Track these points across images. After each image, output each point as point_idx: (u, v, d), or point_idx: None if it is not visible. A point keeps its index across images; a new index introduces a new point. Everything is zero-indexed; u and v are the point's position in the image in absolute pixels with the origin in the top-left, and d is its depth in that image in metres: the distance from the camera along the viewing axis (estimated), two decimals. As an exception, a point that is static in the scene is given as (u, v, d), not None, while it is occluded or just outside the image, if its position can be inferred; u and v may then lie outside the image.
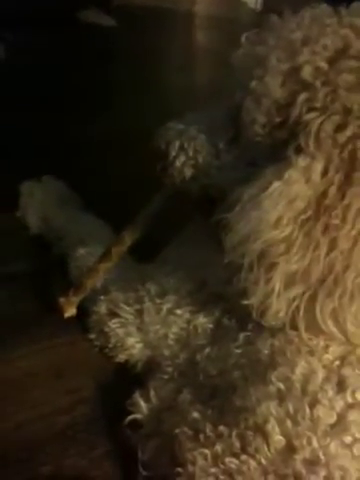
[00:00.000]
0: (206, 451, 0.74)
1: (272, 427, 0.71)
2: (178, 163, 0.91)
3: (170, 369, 0.92)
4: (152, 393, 0.89)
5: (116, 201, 1.39)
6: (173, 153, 0.91)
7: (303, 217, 0.73)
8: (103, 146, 1.73)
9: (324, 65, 0.73)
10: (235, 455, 0.72)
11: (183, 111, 0.97)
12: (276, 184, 0.73)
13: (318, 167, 0.72)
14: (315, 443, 0.69)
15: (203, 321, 0.92)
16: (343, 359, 0.76)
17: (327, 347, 0.77)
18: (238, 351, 0.83)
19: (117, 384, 1.00)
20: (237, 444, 0.73)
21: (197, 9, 3.67)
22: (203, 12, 3.67)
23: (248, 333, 0.84)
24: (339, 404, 0.72)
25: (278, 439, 0.71)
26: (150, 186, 0.98)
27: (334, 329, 0.75)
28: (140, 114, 1.90)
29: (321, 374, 0.75)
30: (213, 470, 0.72)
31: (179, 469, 0.74)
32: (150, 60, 2.67)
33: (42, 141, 1.70)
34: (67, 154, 1.66)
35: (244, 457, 0.72)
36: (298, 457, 0.69)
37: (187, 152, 0.90)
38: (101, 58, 2.60)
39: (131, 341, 0.99)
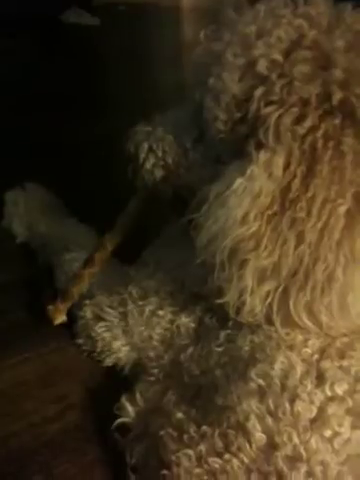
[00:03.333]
0: (190, 452, 0.74)
1: (253, 425, 0.71)
2: (148, 165, 0.91)
3: (155, 371, 0.92)
4: (138, 396, 0.90)
5: (101, 204, 1.39)
6: (142, 155, 0.91)
7: (269, 212, 0.72)
8: (88, 147, 1.73)
9: (279, 57, 0.72)
10: (218, 455, 0.72)
11: (173, 106, 0.95)
12: (239, 181, 0.72)
13: (279, 161, 0.71)
14: (296, 439, 0.69)
15: (185, 321, 0.92)
16: (322, 352, 0.76)
17: (306, 341, 0.77)
18: (219, 349, 0.83)
19: (106, 389, 1.00)
20: (220, 443, 0.73)
21: (182, 2, 3.65)
22: (188, 5, 3.66)
23: (228, 331, 0.84)
24: (318, 398, 0.71)
25: (259, 437, 0.71)
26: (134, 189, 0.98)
27: (308, 322, 0.74)
28: (129, 111, 1.91)
29: (300, 368, 0.74)
30: (197, 471, 0.72)
31: (164, 471, 0.74)
32: (138, 56, 2.66)
33: (24, 143, 1.71)
34: (52, 156, 1.67)
35: (227, 456, 0.71)
36: (280, 454, 0.69)
37: (156, 153, 0.90)
38: (86, 58, 2.60)
39: (117, 344, 0.99)
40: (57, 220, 1.30)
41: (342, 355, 0.75)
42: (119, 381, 0.99)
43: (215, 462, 0.72)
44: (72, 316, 1.07)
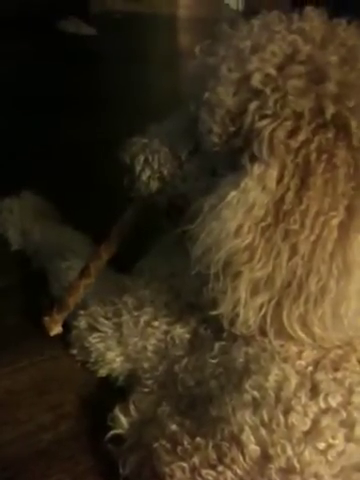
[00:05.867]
0: (184, 464, 0.74)
1: (247, 436, 0.71)
2: (144, 177, 0.92)
3: (150, 382, 0.92)
4: (132, 407, 0.90)
5: (96, 212, 1.39)
6: (138, 167, 0.92)
7: (263, 224, 0.72)
8: (85, 153, 1.74)
9: (273, 72, 0.73)
10: (212, 467, 0.72)
11: (169, 113, 0.96)
12: (233, 193, 0.73)
13: (273, 174, 0.72)
14: (290, 451, 0.70)
15: (180, 332, 0.92)
16: (316, 364, 0.76)
17: (300, 352, 0.77)
18: (214, 361, 0.83)
19: (100, 398, 1.00)
20: (214, 455, 0.73)
21: (179, 12, 3.67)
22: (185, 15, 3.68)
23: (223, 342, 0.84)
24: (312, 410, 0.72)
25: (253, 448, 0.71)
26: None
27: (302, 334, 0.75)
28: (126, 118, 1.91)
29: (294, 380, 0.74)
30: (191, 483, 0.72)
31: (157, 483, 0.75)
32: (133, 65, 2.67)
33: (20, 148, 1.72)
34: (48, 161, 1.68)
35: (221, 468, 0.72)
36: (273, 466, 0.69)
37: (152, 165, 0.91)
38: (84, 65, 2.61)
39: (111, 355, 0.99)
40: (52, 228, 1.30)
41: (336, 367, 0.76)
42: (114, 391, 0.99)
43: (209, 474, 0.72)
44: (67, 326, 1.07)
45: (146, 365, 0.95)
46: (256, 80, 0.73)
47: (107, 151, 1.09)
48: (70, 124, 1.91)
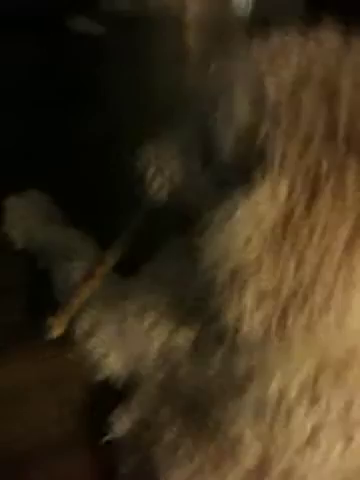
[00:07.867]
0: (184, 466, 0.76)
1: (248, 440, 0.73)
2: (155, 186, 0.93)
3: (152, 385, 0.94)
4: (134, 408, 0.91)
5: (103, 214, 1.40)
6: (150, 175, 0.93)
7: (271, 238, 0.74)
8: (91, 154, 1.74)
9: (287, 91, 0.75)
10: (212, 470, 0.75)
11: (178, 114, 0.97)
12: (243, 207, 0.75)
13: (283, 189, 0.74)
14: (291, 456, 0.72)
15: (183, 336, 0.93)
16: (318, 370, 0.78)
17: (303, 360, 0.79)
18: (217, 366, 0.85)
19: (101, 400, 1.02)
20: (214, 458, 0.75)
21: (187, 12, 3.66)
22: (193, 15, 3.66)
23: (226, 348, 0.85)
24: (314, 416, 0.74)
25: (254, 452, 0.73)
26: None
27: (306, 343, 0.76)
28: (134, 120, 1.92)
29: (296, 386, 0.76)
30: (190, 486, 0.75)
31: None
32: (142, 65, 2.67)
33: (25, 147, 1.72)
34: (53, 161, 1.68)
35: (221, 471, 0.74)
36: (275, 470, 0.72)
37: (163, 174, 0.92)
38: (92, 64, 2.60)
39: (113, 358, 1.01)
40: (57, 228, 1.30)
41: (338, 374, 0.78)
42: (114, 393, 1.00)
43: (209, 478, 0.74)
44: (70, 327, 1.07)
45: (148, 368, 0.96)
46: (270, 99, 0.75)
47: (116, 154, 1.09)
48: (77, 124, 1.91)
